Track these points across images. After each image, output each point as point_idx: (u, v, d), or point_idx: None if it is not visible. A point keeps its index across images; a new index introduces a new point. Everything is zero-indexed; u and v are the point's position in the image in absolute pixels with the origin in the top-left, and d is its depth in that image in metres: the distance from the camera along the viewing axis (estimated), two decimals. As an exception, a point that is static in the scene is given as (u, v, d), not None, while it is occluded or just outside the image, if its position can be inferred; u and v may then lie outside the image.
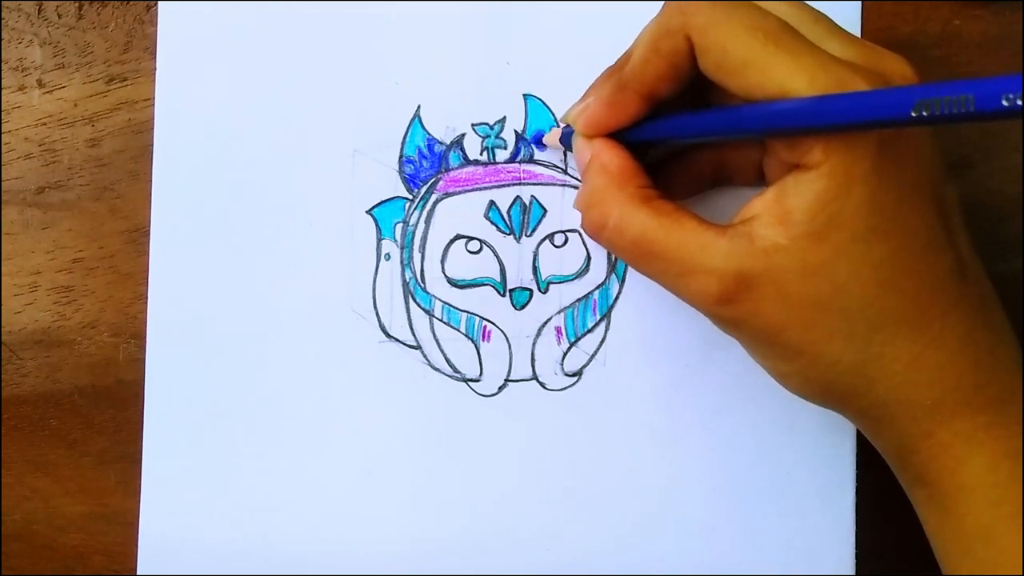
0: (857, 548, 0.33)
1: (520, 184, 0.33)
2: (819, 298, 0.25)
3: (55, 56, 0.34)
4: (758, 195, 0.25)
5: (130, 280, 0.34)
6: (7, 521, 0.35)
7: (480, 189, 0.33)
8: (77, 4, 0.34)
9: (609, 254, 0.33)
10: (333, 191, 0.33)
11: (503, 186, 0.33)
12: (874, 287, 0.25)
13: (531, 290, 0.33)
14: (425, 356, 0.33)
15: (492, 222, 0.33)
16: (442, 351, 0.33)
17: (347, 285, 0.33)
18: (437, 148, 0.33)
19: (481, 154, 0.33)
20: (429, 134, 0.33)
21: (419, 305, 0.33)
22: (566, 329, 0.33)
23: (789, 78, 0.23)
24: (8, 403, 0.34)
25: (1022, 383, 0.26)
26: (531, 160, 0.33)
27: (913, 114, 0.20)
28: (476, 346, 0.33)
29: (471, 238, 0.33)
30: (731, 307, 0.25)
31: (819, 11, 0.26)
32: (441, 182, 0.33)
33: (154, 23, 0.33)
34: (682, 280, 0.26)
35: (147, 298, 0.33)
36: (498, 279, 0.33)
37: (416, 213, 0.33)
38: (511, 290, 0.33)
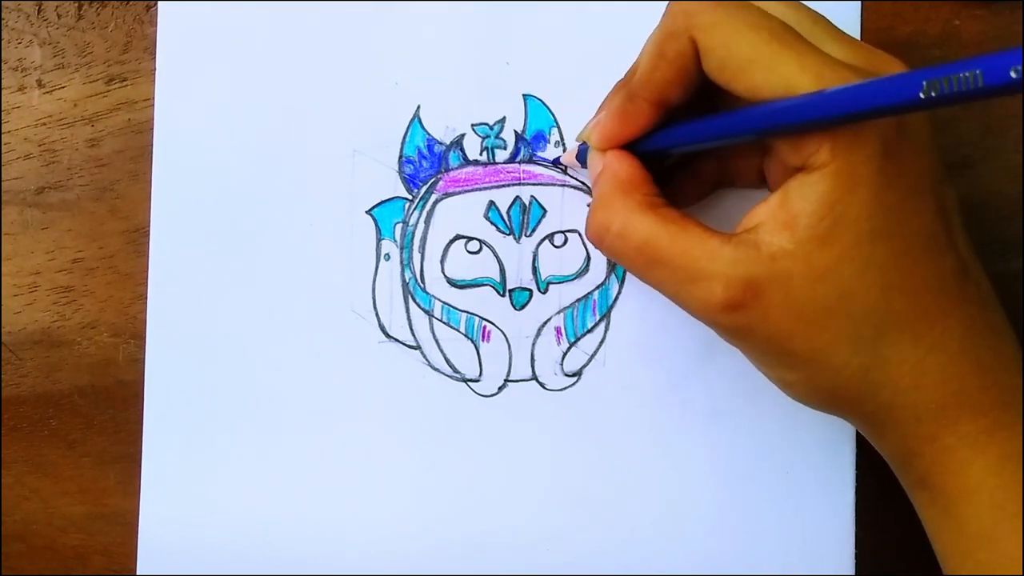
0: (857, 548, 0.33)
1: (520, 184, 0.33)
2: (826, 303, 0.25)
3: (55, 56, 0.34)
4: (761, 203, 0.25)
5: (130, 280, 0.34)
6: (7, 521, 0.35)
7: (480, 189, 0.33)
8: (77, 4, 0.34)
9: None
10: (333, 191, 0.33)
11: (503, 186, 0.33)
12: (878, 290, 0.25)
13: (531, 290, 0.33)
14: (425, 356, 0.33)
15: (492, 222, 0.33)
16: (442, 351, 0.33)
17: (347, 285, 0.33)
18: (437, 148, 0.33)
19: (481, 154, 0.33)
20: (429, 134, 0.33)
21: (419, 305, 0.33)
22: (566, 329, 0.33)
23: (794, 75, 0.23)
24: (8, 403, 0.34)
25: (1023, 384, 0.26)
26: (531, 160, 0.33)
27: (922, 95, 0.20)
28: (476, 346, 0.33)
29: (471, 238, 0.33)
30: (738, 314, 0.25)
31: (817, 13, 0.26)
32: (441, 182, 0.33)
33: (154, 23, 0.33)
34: (687, 287, 0.26)
35: (147, 298, 0.33)
36: (498, 279, 0.33)
37: (416, 213, 0.33)
38: (511, 290, 0.33)
